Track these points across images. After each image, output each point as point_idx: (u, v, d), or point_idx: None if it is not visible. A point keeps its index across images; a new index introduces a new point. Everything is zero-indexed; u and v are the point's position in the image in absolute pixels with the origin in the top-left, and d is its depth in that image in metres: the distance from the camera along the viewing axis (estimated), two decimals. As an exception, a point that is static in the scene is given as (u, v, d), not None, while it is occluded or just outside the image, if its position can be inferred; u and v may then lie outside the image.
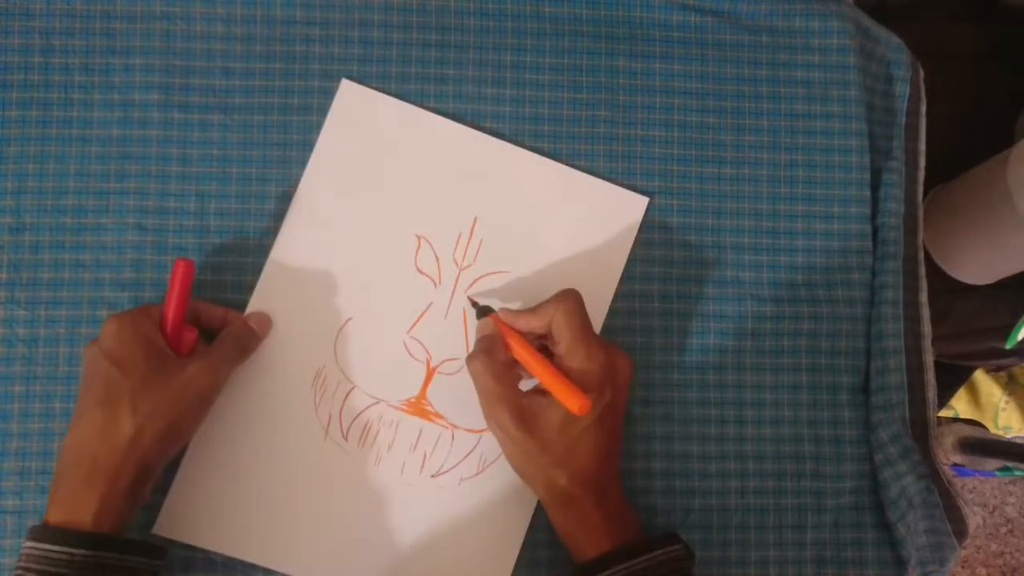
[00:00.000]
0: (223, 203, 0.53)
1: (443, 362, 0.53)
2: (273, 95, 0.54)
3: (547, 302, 0.48)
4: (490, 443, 0.52)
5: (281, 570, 0.50)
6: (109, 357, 0.45)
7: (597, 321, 0.54)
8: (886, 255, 0.56)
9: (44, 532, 0.42)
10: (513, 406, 0.46)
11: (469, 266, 0.53)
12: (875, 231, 0.57)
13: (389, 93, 0.54)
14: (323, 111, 0.54)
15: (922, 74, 0.61)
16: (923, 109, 0.61)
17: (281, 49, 0.54)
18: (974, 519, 0.55)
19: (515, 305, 0.52)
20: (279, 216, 0.53)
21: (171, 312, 0.47)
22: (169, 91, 0.53)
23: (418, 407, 0.52)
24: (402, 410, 0.52)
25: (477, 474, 0.52)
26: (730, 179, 0.56)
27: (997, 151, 0.72)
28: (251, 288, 0.52)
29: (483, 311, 0.50)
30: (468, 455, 0.52)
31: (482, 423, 0.50)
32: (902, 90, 0.59)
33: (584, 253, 0.54)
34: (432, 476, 0.52)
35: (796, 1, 0.57)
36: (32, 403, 0.51)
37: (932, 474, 0.55)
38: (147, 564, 0.45)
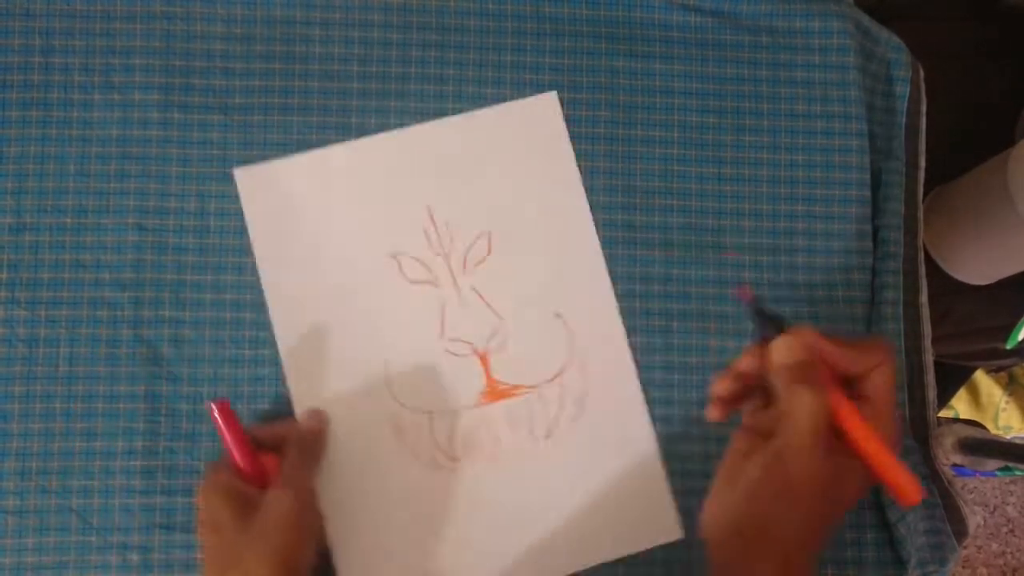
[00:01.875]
0: (223, 203, 0.53)
1: (487, 341, 0.53)
2: (273, 95, 0.54)
3: (869, 347, 0.41)
4: (573, 379, 0.53)
5: None
6: (207, 526, 0.45)
7: (584, 221, 0.54)
8: (886, 255, 0.56)
9: None
10: (833, 462, 0.39)
11: (450, 250, 0.53)
12: (875, 231, 0.57)
13: (390, 95, 0.54)
14: (323, 111, 0.54)
15: (922, 74, 0.61)
16: (923, 109, 0.61)
17: (281, 49, 0.54)
18: (974, 519, 0.55)
19: (518, 264, 0.53)
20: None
21: (236, 455, 0.47)
22: (169, 91, 0.53)
23: (494, 392, 0.53)
24: (482, 404, 0.52)
25: (580, 413, 0.53)
26: (730, 179, 0.56)
27: (997, 151, 0.72)
28: (252, 288, 0.52)
29: (776, 324, 0.42)
30: (562, 401, 0.53)
31: (554, 368, 0.53)
32: (902, 90, 0.59)
33: (535, 174, 0.54)
34: (546, 439, 0.52)
35: (796, 1, 0.57)
36: (32, 403, 0.51)
37: (932, 474, 0.55)
38: None
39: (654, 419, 0.54)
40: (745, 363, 0.43)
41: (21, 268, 0.52)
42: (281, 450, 0.48)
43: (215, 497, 0.45)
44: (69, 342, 0.52)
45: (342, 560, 0.50)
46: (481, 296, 0.53)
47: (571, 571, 0.51)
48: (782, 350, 0.41)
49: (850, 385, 0.41)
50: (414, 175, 0.54)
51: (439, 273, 0.53)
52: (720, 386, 0.43)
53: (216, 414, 0.47)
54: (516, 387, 0.53)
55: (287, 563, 0.44)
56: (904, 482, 0.38)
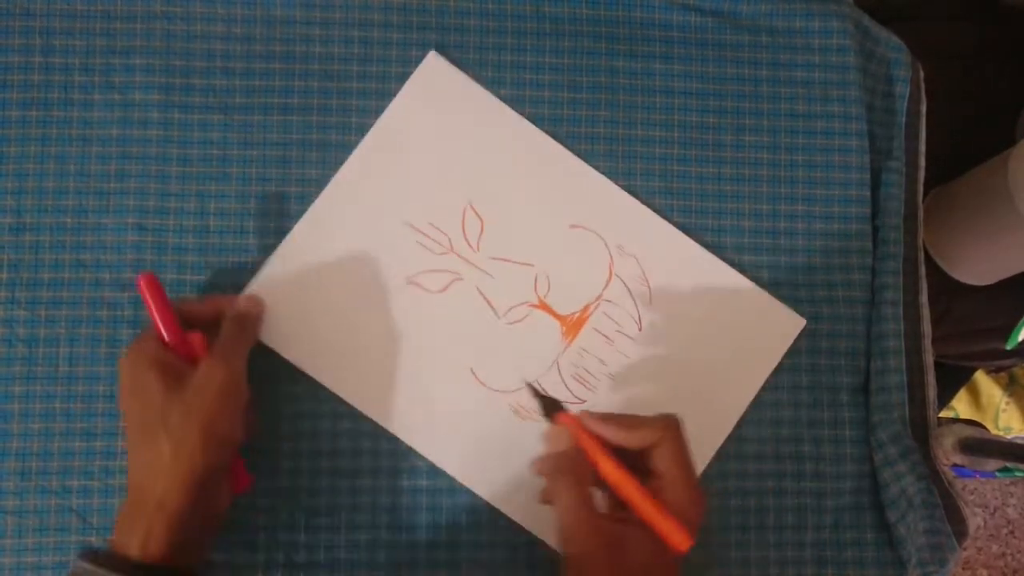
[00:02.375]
0: (223, 203, 0.53)
1: (536, 291, 0.53)
2: (273, 95, 0.54)
3: (648, 420, 0.45)
4: (624, 269, 0.54)
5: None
6: (130, 392, 0.45)
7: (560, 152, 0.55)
8: (886, 255, 0.56)
9: (96, 554, 0.43)
10: (605, 539, 0.42)
11: (449, 245, 0.53)
12: (875, 231, 0.57)
13: (389, 94, 0.54)
14: (323, 111, 0.54)
15: (922, 74, 0.61)
16: (923, 109, 0.61)
17: (281, 49, 0.54)
18: (974, 520, 0.55)
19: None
20: (279, 216, 0.53)
21: (160, 326, 0.46)
22: (169, 91, 0.53)
23: (571, 327, 0.53)
24: (569, 346, 0.53)
25: (654, 290, 0.54)
26: (730, 179, 0.56)
27: (997, 151, 0.72)
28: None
29: (551, 406, 0.47)
30: (629, 293, 0.54)
31: (603, 275, 0.53)
32: (902, 90, 0.59)
33: (472, 134, 0.54)
34: (640, 332, 0.53)
35: (796, 1, 0.57)
36: (32, 403, 0.51)
37: (932, 475, 0.55)
38: None
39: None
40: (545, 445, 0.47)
41: (21, 268, 0.52)
42: (214, 326, 0.48)
43: (142, 364, 0.44)
44: (69, 342, 0.52)
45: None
46: (504, 259, 0.53)
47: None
48: (550, 440, 0.46)
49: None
50: (385, 198, 0.53)
51: (456, 267, 0.53)
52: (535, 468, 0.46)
53: (143, 288, 0.46)
54: (585, 308, 0.53)
55: (216, 433, 0.44)
56: (670, 529, 0.42)
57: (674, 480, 0.43)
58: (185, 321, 0.48)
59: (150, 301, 0.46)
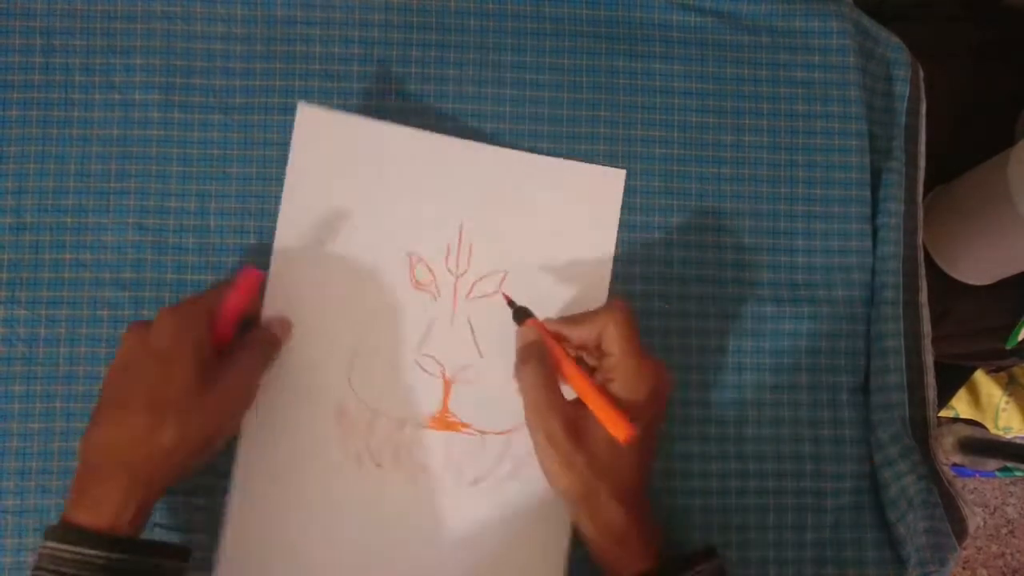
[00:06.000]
0: (223, 203, 0.53)
1: (459, 371, 0.52)
2: (273, 95, 0.54)
3: (595, 312, 0.47)
4: (521, 442, 0.51)
5: None
6: (159, 357, 0.43)
7: (600, 301, 0.53)
8: (886, 255, 0.56)
9: (74, 534, 0.41)
10: (564, 417, 0.44)
11: (464, 273, 0.53)
12: (875, 231, 0.57)
13: (389, 94, 0.54)
14: (323, 111, 0.54)
15: (922, 74, 0.61)
16: (923, 109, 0.61)
17: (281, 49, 0.54)
18: (974, 520, 0.55)
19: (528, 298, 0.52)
20: (279, 216, 0.53)
21: (229, 317, 0.47)
22: (169, 91, 0.53)
23: (443, 420, 0.52)
24: (429, 427, 0.52)
25: (514, 474, 0.52)
26: (730, 179, 0.56)
27: (997, 151, 0.72)
28: (251, 288, 0.52)
29: (521, 313, 0.49)
30: (502, 457, 0.52)
31: (508, 423, 0.51)
32: (902, 90, 0.59)
33: (573, 239, 0.54)
34: (471, 485, 0.52)
35: (796, 1, 0.57)
36: (32, 403, 0.51)
37: (932, 474, 0.55)
38: (177, 566, 0.44)
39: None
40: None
41: (21, 268, 0.52)
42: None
43: (188, 339, 0.44)
44: (69, 342, 0.52)
45: (235, 524, 0.50)
46: (472, 329, 0.53)
47: None
48: (518, 338, 0.49)
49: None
50: (461, 188, 0.53)
51: (444, 290, 0.53)
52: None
53: (249, 275, 0.48)
54: (466, 425, 0.52)
55: (213, 446, 0.46)
56: (615, 421, 0.43)
57: (619, 363, 0.45)
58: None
59: (240, 290, 0.47)
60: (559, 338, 0.48)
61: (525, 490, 0.52)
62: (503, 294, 0.51)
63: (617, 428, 0.43)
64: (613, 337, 0.46)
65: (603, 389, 0.45)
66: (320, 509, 0.51)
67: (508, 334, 0.50)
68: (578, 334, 0.47)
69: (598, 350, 0.47)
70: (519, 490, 0.52)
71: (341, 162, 0.53)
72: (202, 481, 0.50)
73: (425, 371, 0.52)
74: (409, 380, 0.52)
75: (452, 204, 0.53)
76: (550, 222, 0.54)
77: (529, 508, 0.52)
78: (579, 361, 0.48)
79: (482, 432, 0.52)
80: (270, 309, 0.51)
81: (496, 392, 0.52)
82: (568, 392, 0.46)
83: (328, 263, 0.52)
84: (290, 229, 0.52)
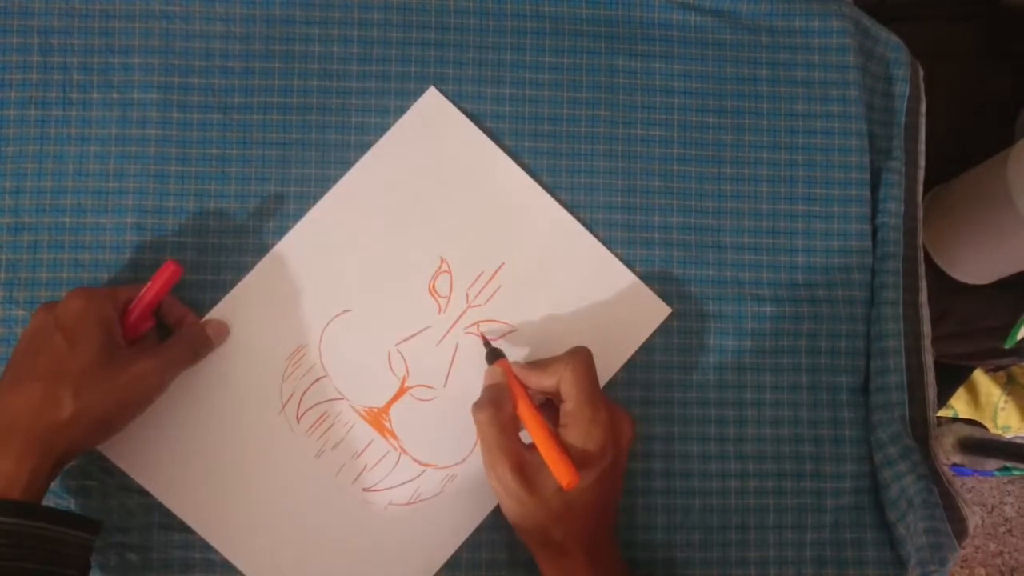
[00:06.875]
0: (222, 203, 0.53)
1: (417, 386, 0.52)
2: (272, 95, 0.54)
3: (557, 359, 0.47)
4: (430, 481, 0.52)
5: (199, 531, 0.50)
6: (64, 332, 0.44)
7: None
8: (886, 255, 0.56)
9: None
10: (515, 461, 0.45)
11: (479, 306, 0.53)
12: (875, 231, 0.57)
13: (389, 93, 0.54)
14: (322, 110, 0.54)
15: (922, 74, 0.61)
16: (923, 109, 0.61)
17: (280, 49, 0.54)
18: (973, 519, 0.55)
19: (519, 356, 0.52)
20: (279, 216, 0.53)
21: (142, 306, 0.48)
22: (168, 90, 0.53)
23: (377, 419, 0.52)
24: (361, 415, 0.52)
25: (406, 504, 0.52)
26: (730, 179, 0.56)
27: (997, 151, 0.72)
28: (250, 288, 0.52)
29: (494, 355, 0.50)
30: (405, 483, 0.52)
31: (431, 458, 0.52)
32: (902, 90, 0.59)
33: (591, 338, 0.51)
34: (363, 489, 0.52)
35: (796, 1, 0.57)
36: (31, 403, 0.51)
37: (932, 474, 0.55)
38: (83, 539, 0.44)
39: (652, 419, 0.54)
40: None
41: (20, 268, 0.52)
42: (172, 331, 0.50)
43: (95, 320, 0.45)
44: (68, 342, 0.51)
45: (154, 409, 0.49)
46: (453, 358, 0.53)
47: None
48: (486, 377, 0.50)
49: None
50: (521, 232, 0.54)
51: (452, 310, 0.53)
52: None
53: (166, 269, 0.48)
54: (394, 435, 0.52)
55: (111, 426, 0.46)
56: (560, 468, 0.43)
57: (574, 409, 0.46)
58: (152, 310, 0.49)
59: (157, 285, 0.48)
60: (524, 382, 0.48)
61: (406, 523, 0.51)
62: (481, 334, 0.52)
63: (561, 473, 0.43)
64: (570, 384, 0.46)
65: (554, 434, 0.45)
66: (227, 430, 0.51)
67: (479, 380, 0.51)
68: (537, 380, 0.47)
69: (559, 396, 0.47)
70: (400, 521, 0.51)
71: (433, 152, 0.54)
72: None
73: (390, 366, 0.52)
74: (371, 365, 0.52)
75: (505, 240, 0.54)
76: (579, 312, 0.54)
77: (403, 541, 0.51)
78: (547, 405, 0.49)
79: (404, 451, 0.52)
80: (282, 251, 0.52)
81: (436, 423, 0.52)
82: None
83: (363, 229, 0.53)
84: (352, 186, 0.53)
